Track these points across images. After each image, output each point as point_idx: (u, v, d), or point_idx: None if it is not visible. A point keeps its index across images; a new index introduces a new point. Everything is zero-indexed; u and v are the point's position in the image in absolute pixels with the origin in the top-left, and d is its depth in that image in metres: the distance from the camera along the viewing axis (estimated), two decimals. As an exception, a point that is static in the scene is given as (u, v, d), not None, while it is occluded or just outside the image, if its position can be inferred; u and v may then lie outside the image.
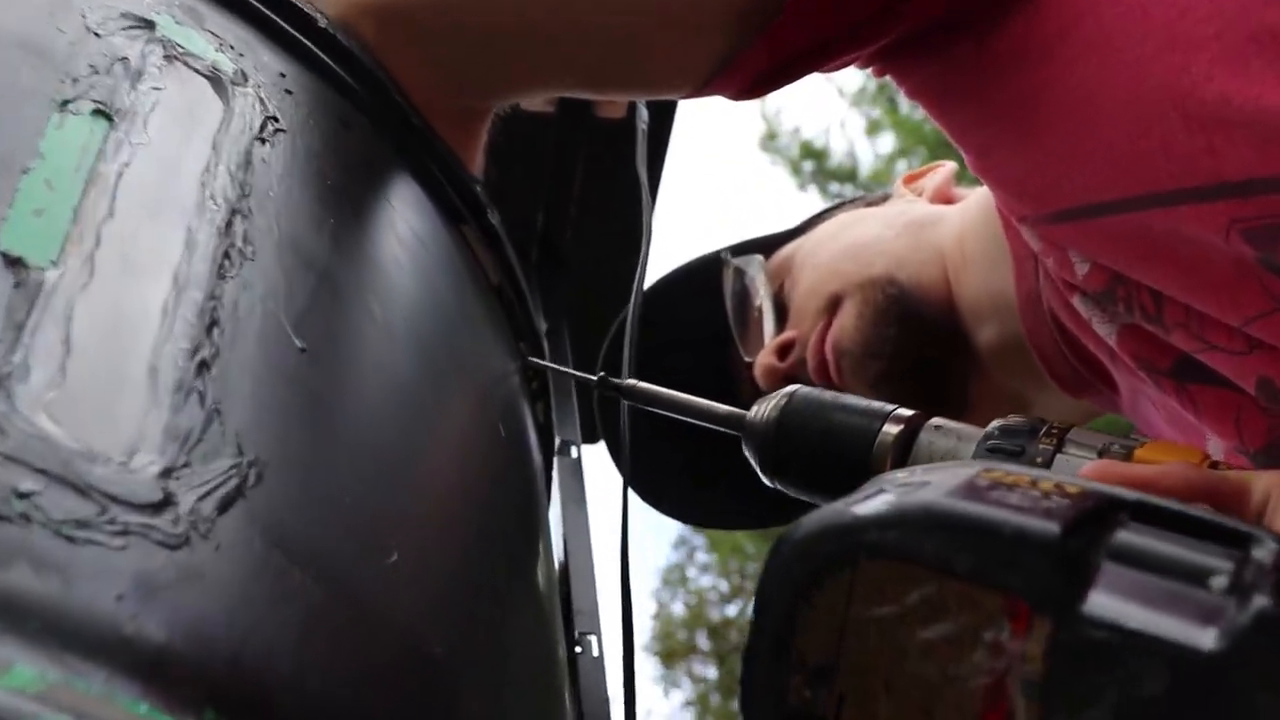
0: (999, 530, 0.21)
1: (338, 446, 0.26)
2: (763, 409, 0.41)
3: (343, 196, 0.34)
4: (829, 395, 0.40)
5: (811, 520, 0.23)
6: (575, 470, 0.82)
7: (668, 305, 0.73)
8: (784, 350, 0.64)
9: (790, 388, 0.41)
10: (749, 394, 0.70)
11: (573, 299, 1.11)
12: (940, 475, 0.24)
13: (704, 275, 0.75)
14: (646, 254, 0.57)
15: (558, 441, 0.83)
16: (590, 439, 0.86)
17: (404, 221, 0.38)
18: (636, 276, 0.55)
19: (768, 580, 0.23)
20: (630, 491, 0.53)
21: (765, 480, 0.41)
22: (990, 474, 0.24)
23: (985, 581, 0.21)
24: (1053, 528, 0.21)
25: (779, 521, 0.79)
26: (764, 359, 0.64)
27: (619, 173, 0.98)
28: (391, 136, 0.42)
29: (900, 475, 0.25)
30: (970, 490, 0.23)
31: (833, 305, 0.62)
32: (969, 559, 0.21)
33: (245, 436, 0.22)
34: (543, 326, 0.59)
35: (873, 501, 0.23)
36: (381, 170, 0.40)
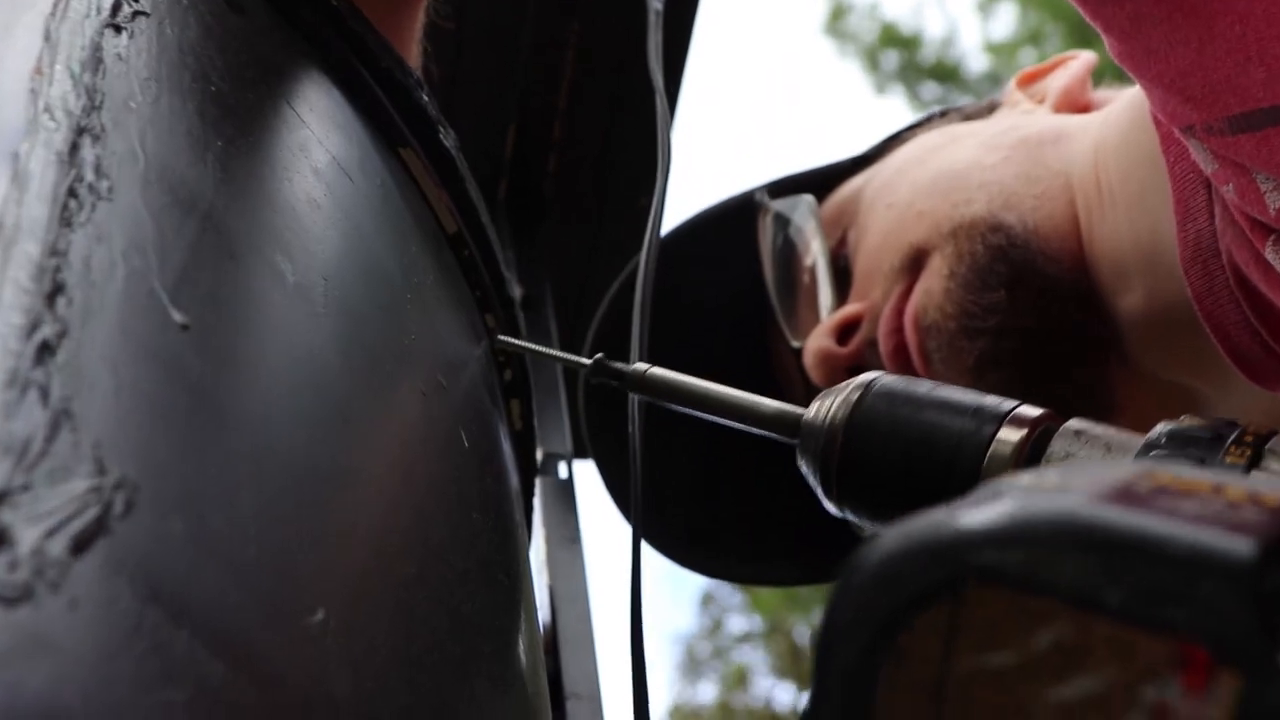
0: (1168, 550, 0.21)
1: (236, 461, 0.26)
2: (827, 406, 0.41)
3: (233, 109, 0.34)
4: (922, 386, 0.40)
5: (898, 535, 0.23)
6: (564, 495, 0.83)
7: (683, 266, 0.74)
8: (846, 329, 0.65)
9: (866, 376, 0.41)
10: (796, 390, 0.71)
11: (558, 254, 1.12)
12: (1082, 477, 0.23)
13: (734, 224, 0.76)
14: (663, 191, 0.57)
15: (540, 455, 0.83)
16: (585, 451, 0.87)
17: (321, 144, 0.38)
18: (649, 222, 0.55)
19: (834, 621, 0.23)
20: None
21: (829, 507, 0.42)
22: (1155, 476, 0.23)
23: (1146, 621, 0.21)
24: (1245, 548, 0.21)
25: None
26: (818, 342, 0.65)
27: (623, 73, 0.99)
28: (300, 21, 0.42)
29: (1026, 478, 0.24)
30: (1127, 496, 0.22)
31: (914, 262, 0.62)
32: (1123, 589, 0.21)
33: (107, 448, 0.22)
34: (517, 293, 0.59)
35: (986, 509, 0.22)
36: (287, 70, 0.40)
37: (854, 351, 0.64)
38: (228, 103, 0.34)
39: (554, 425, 0.87)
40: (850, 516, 0.41)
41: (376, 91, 0.44)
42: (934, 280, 0.60)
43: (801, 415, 0.42)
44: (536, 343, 0.79)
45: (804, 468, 0.42)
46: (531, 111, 1.01)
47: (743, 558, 0.81)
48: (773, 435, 0.43)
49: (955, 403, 0.39)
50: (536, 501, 0.81)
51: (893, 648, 0.22)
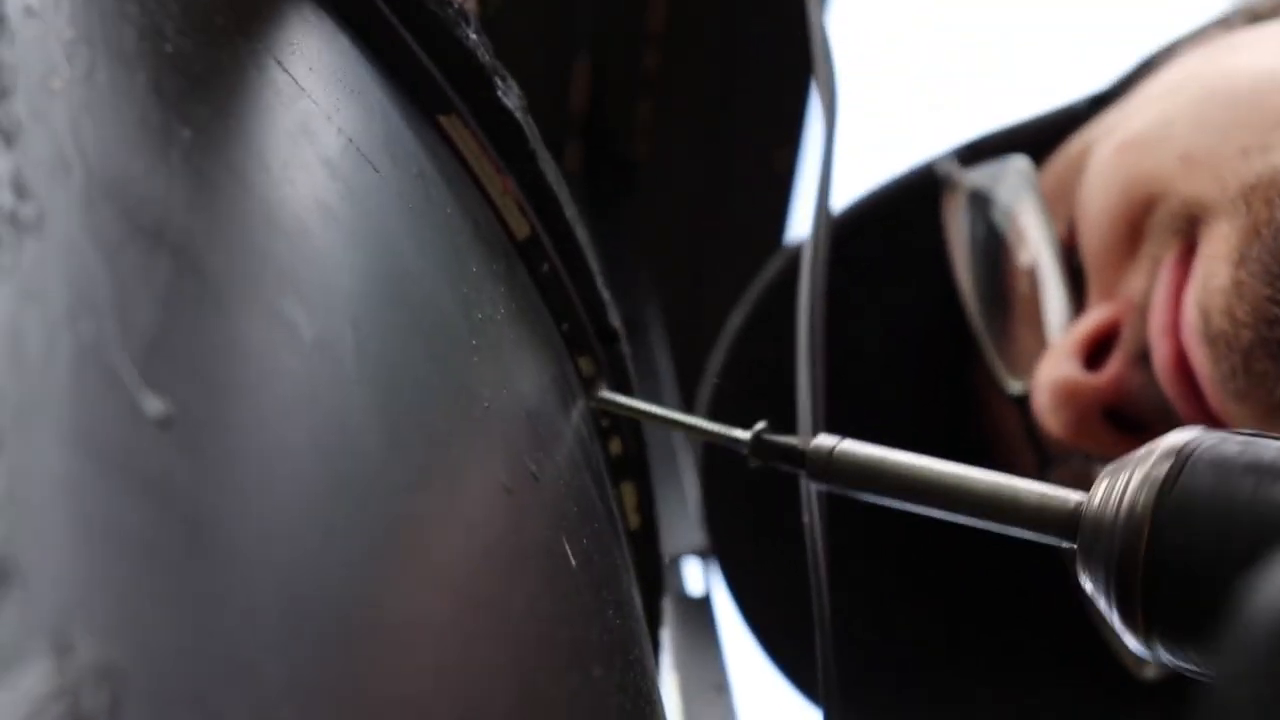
0: None
1: (255, 620, 0.26)
2: (1119, 487, 0.40)
3: (201, 78, 0.34)
4: (1271, 447, 0.39)
5: None
6: (700, 618, 0.83)
7: (839, 279, 0.73)
8: (1097, 345, 0.63)
9: (1176, 437, 0.41)
10: (1022, 460, 0.70)
11: (661, 249, 1.11)
12: None
13: (909, 211, 0.75)
14: (829, 162, 0.56)
15: (665, 560, 0.83)
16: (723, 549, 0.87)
17: (330, 121, 0.38)
18: (814, 212, 0.54)
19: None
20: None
21: (1133, 644, 0.41)
22: None
23: None
24: None
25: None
26: (1058, 370, 0.64)
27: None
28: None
29: None
30: None
31: (1184, 228, 0.61)
32: None
33: (74, 619, 0.22)
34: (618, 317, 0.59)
35: None
36: (273, 12, 0.40)
37: (1115, 379, 0.63)
38: (193, 69, 0.34)
39: (677, 513, 0.87)
40: (1165, 657, 0.40)
41: (402, 34, 0.44)
42: (1217, 265, 0.59)
43: (1080, 504, 0.41)
44: (644, 386, 0.80)
45: (1089, 584, 0.41)
46: (611, 39, 1.01)
47: None
48: (1037, 536, 0.42)
49: None
50: (665, 630, 0.81)
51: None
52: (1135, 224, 0.63)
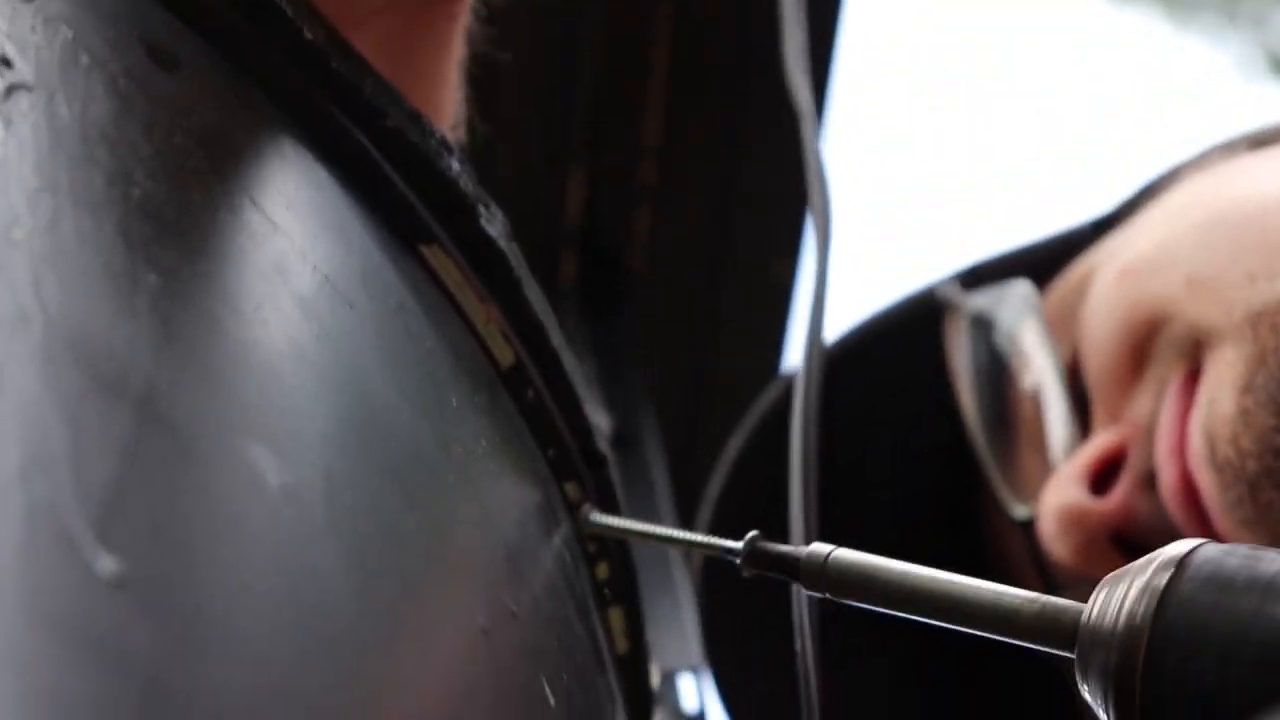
0: None
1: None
2: (1118, 599, 0.40)
3: (171, 222, 0.34)
4: (1274, 561, 0.39)
5: None
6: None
7: (839, 404, 0.73)
8: (1103, 470, 0.63)
9: (1176, 548, 0.40)
10: (1028, 586, 0.70)
11: (658, 360, 1.11)
12: None
13: (911, 337, 0.76)
14: (825, 263, 0.56)
15: (656, 678, 0.82)
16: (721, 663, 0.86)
17: (304, 258, 0.38)
18: (808, 325, 0.54)
19: None
20: None
21: None
22: None
23: None
24: None
25: None
26: (1064, 495, 0.64)
27: (746, 80, 0.99)
28: (263, 70, 0.43)
29: None
30: None
31: (1189, 350, 0.61)
32: None
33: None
34: (606, 434, 0.59)
35: None
36: (247, 149, 0.40)
37: (1122, 504, 0.63)
38: (163, 213, 0.34)
39: (671, 629, 0.86)
40: None
41: (383, 166, 0.44)
42: (1222, 392, 0.59)
43: (1079, 614, 0.41)
44: (640, 501, 0.79)
45: (1089, 695, 0.41)
46: (606, 147, 1.01)
47: None
48: (1034, 646, 0.42)
49: None
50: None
51: None
52: (1140, 348, 0.63)
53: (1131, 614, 0.39)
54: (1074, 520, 0.63)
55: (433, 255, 0.46)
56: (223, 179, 0.38)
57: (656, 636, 0.85)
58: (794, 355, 1.10)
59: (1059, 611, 0.41)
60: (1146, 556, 0.40)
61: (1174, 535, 0.61)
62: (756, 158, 1.02)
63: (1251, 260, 0.60)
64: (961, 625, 0.43)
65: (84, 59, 0.36)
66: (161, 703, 0.25)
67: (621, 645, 0.57)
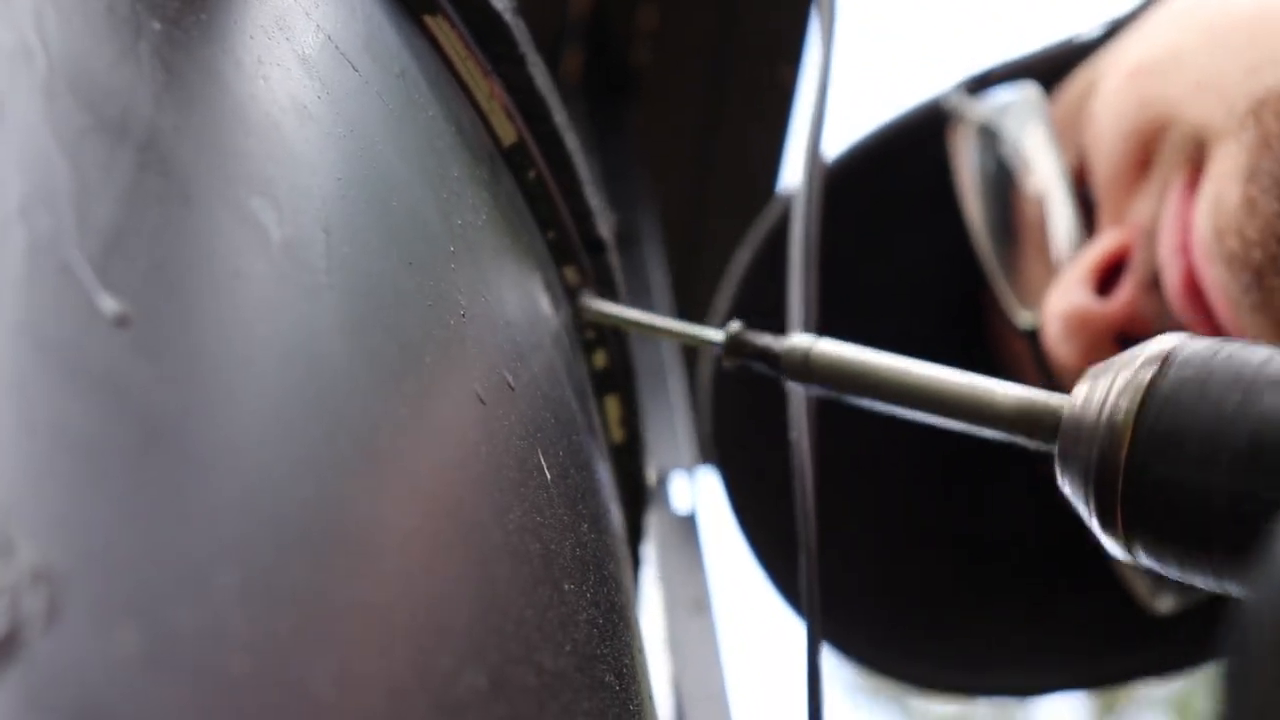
0: None
1: (209, 528, 0.25)
2: (1103, 391, 0.40)
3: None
4: (1256, 355, 0.39)
5: None
6: (686, 536, 0.83)
7: (849, 211, 0.73)
8: (1108, 272, 0.63)
9: (1160, 343, 0.41)
10: (1034, 384, 0.71)
11: (661, 158, 1.11)
12: None
13: (918, 145, 0.75)
14: (829, 58, 0.56)
15: (652, 476, 0.83)
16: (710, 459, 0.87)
17: (308, 16, 0.38)
18: (810, 124, 0.54)
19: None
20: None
21: (1110, 546, 0.41)
22: None
23: None
24: None
25: (1151, 669, 0.79)
26: (1069, 299, 0.64)
27: None
28: None
29: None
30: None
31: (1193, 154, 0.61)
32: None
33: (15, 517, 0.22)
34: (609, 226, 0.59)
35: None
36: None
37: (1126, 306, 0.63)
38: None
39: (665, 429, 0.87)
40: (1143, 559, 0.40)
41: (388, -71, 0.44)
42: (1226, 184, 0.59)
43: (1061, 407, 0.41)
44: (637, 302, 0.79)
45: (1067, 486, 0.41)
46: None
47: (975, 658, 0.81)
48: (1015, 439, 0.43)
49: None
50: (648, 545, 0.81)
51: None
52: (1145, 150, 0.63)
53: (1115, 409, 0.39)
54: (1079, 322, 0.63)
55: (436, 25, 0.46)
56: None
57: (650, 437, 0.86)
58: (796, 156, 1.09)
59: (1042, 404, 0.42)
60: (1132, 350, 0.41)
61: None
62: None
63: (1254, 53, 0.60)
64: (943, 416, 0.43)
65: None
66: (156, 437, 0.25)
67: (617, 434, 0.57)
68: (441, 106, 0.44)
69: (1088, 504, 0.40)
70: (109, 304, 0.26)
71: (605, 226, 0.54)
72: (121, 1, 0.32)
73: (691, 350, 0.89)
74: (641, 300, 0.94)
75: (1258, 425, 0.37)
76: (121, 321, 0.26)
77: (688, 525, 0.83)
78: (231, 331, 0.29)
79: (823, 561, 0.65)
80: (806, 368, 0.45)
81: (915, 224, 0.77)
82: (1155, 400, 0.39)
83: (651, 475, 0.84)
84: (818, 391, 0.46)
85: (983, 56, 0.77)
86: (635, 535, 0.60)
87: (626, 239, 0.98)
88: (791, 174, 1.09)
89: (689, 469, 0.85)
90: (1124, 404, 0.39)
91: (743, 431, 0.79)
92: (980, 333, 0.76)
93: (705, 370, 0.83)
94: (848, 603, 0.78)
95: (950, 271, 0.74)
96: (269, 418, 0.28)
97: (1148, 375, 0.39)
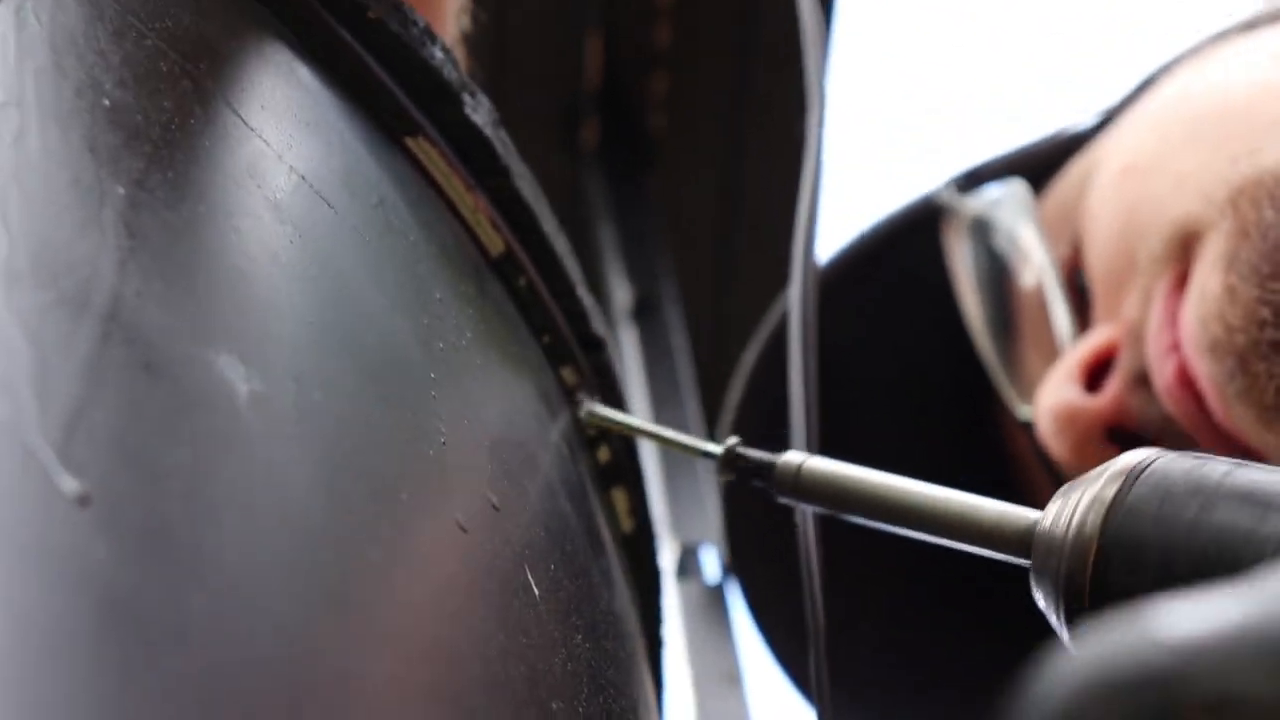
0: None
1: (176, 701, 0.26)
2: (1070, 508, 0.41)
3: (140, 130, 0.35)
4: (1218, 468, 0.39)
5: (1070, 668, 0.24)
6: (715, 608, 0.83)
7: (853, 311, 0.74)
8: (1098, 368, 0.64)
9: (1130, 457, 0.41)
10: (1041, 484, 0.71)
11: (683, 222, 1.11)
12: None
13: (913, 240, 0.76)
14: (818, 157, 0.56)
15: (676, 550, 0.84)
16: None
17: (281, 159, 0.39)
18: (802, 234, 0.55)
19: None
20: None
21: None
22: None
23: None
24: None
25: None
26: (1057, 396, 0.65)
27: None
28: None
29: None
30: None
31: (1181, 249, 0.62)
32: None
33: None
34: (628, 296, 0.59)
35: (1199, 611, 0.23)
36: (222, 48, 0.40)
37: (1114, 402, 0.64)
38: (132, 121, 0.35)
39: (693, 501, 0.87)
40: None
41: (365, 58, 0.45)
42: (1209, 276, 0.59)
43: (1035, 522, 0.42)
44: (658, 370, 0.80)
45: (1040, 599, 0.42)
46: (620, 14, 1.01)
47: None
48: (994, 555, 0.43)
49: (1267, 490, 0.38)
50: (676, 617, 0.82)
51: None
52: (1134, 250, 0.63)
53: (1081, 524, 0.40)
54: (1067, 418, 0.64)
55: (418, 146, 0.46)
56: (196, 82, 0.38)
57: (678, 510, 0.87)
58: (792, 266, 1.10)
59: (1016, 519, 0.43)
60: (1102, 465, 0.41)
61: (1170, 425, 0.62)
62: (772, 15, 1.02)
63: (1232, 144, 0.60)
64: (925, 532, 0.44)
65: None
66: (122, 618, 0.26)
67: (626, 525, 0.58)
68: (423, 229, 0.44)
69: (1058, 616, 0.41)
70: (69, 484, 0.27)
71: (600, 325, 0.54)
72: (86, 170, 0.32)
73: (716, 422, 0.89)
74: (664, 367, 0.94)
75: (1213, 538, 0.38)
76: (83, 501, 0.27)
77: (717, 597, 0.84)
78: (194, 501, 0.29)
79: (844, 656, 0.66)
80: (798, 484, 0.46)
81: (917, 319, 0.77)
82: (1119, 516, 0.40)
83: (677, 550, 0.85)
84: (810, 507, 0.47)
85: (975, 148, 0.77)
86: (652, 623, 0.60)
87: (647, 307, 0.98)
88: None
89: (717, 541, 0.86)
90: (1090, 519, 0.40)
91: (755, 521, 0.80)
92: (989, 427, 0.76)
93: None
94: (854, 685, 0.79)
95: (957, 363, 0.75)
96: (235, 584, 0.29)
97: (1112, 491, 0.40)
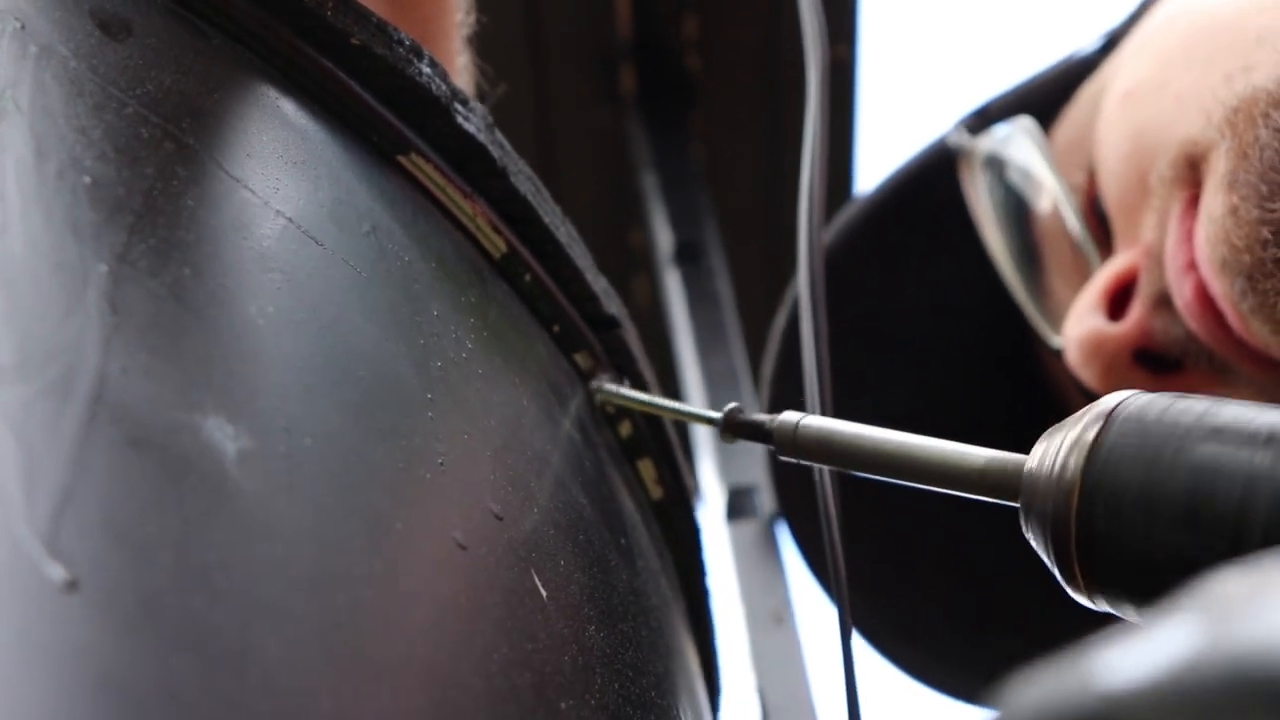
0: None
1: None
2: (1054, 451, 0.42)
3: (123, 202, 0.36)
4: (1196, 406, 0.40)
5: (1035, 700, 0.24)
6: (765, 546, 0.85)
7: (891, 259, 0.75)
8: (1119, 294, 0.64)
9: (1110, 400, 0.42)
10: (1077, 401, 0.72)
11: (727, 161, 1.11)
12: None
13: (932, 183, 0.77)
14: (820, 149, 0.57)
15: (725, 491, 0.85)
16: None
17: (267, 206, 0.40)
18: (807, 203, 0.56)
19: None
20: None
21: (1076, 597, 0.43)
22: None
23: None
24: None
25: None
26: (1080, 326, 0.65)
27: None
28: (221, 13, 0.44)
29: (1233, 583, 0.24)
30: None
31: (1190, 169, 0.63)
32: None
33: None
34: (669, 241, 0.60)
35: (1135, 657, 0.23)
36: (205, 103, 0.41)
37: (1137, 325, 0.64)
38: (113, 195, 0.36)
39: (740, 444, 0.88)
40: (1105, 607, 0.42)
41: (350, 85, 0.46)
42: (1213, 199, 0.60)
43: (1022, 466, 0.43)
44: (702, 315, 0.81)
45: (1032, 540, 0.43)
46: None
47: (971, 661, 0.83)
48: (987, 499, 0.45)
49: (1244, 426, 0.39)
50: (729, 558, 0.83)
51: None
52: (1145, 174, 0.63)
53: (1064, 466, 0.41)
54: (1094, 347, 0.65)
55: (412, 163, 0.47)
56: (179, 142, 0.39)
57: (727, 453, 0.88)
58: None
59: (1004, 464, 0.44)
60: (1084, 409, 0.43)
61: (1196, 343, 0.62)
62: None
63: (1228, 60, 0.61)
64: (919, 482, 0.46)
65: (32, 48, 0.37)
66: (115, 694, 0.27)
67: (655, 493, 0.59)
68: (419, 246, 0.45)
69: (1049, 557, 0.42)
70: (57, 572, 0.28)
71: (614, 305, 0.55)
72: (69, 253, 0.33)
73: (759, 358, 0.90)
74: (708, 309, 0.95)
75: (1191, 479, 0.39)
76: (70, 586, 0.28)
77: (768, 535, 0.85)
78: (184, 571, 0.30)
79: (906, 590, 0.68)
80: (795, 442, 0.48)
81: (947, 261, 0.78)
82: (1100, 457, 0.41)
83: (726, 491, 0.87)
84: (807, 462, 0.48)
85: (985, 84, 0.78)
86: (693, 579, 0.62)
87: (691, 252, 0.99)
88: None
89: (764, 482, 0.87)
90: (1071, 461, 0.41)
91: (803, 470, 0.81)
92: (1030, 354, 0.77)
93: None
94: (885, 611, 0.81)
95: (992, 300, 0.76)
96: (228, 648, 0.30)
97: (1092, 433, 0.41)
